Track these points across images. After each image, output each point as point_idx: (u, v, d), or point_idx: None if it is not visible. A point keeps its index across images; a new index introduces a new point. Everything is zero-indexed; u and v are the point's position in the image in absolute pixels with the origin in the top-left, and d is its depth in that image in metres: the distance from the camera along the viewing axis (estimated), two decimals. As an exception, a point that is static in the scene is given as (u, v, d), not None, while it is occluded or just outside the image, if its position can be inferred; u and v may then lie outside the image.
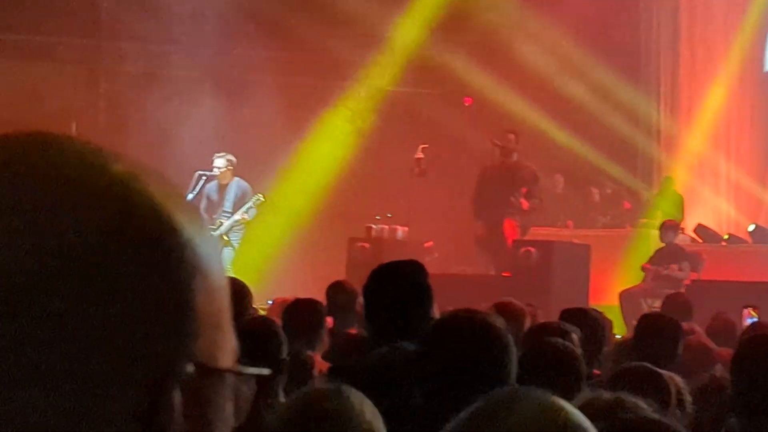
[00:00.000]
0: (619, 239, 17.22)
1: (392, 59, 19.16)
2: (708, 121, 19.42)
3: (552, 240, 14.64)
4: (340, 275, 12.37)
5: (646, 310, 13.49)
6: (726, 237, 17.73)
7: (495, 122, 16.76)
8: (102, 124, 18.54)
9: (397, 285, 4.58)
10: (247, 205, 15.32)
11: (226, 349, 1.02)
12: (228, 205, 15.44)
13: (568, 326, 5.47)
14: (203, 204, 15.58)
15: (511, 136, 14.68)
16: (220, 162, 15.49)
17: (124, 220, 0.96)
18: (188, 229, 0.99)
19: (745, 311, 8.81)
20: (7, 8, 17.67)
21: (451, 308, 6.62)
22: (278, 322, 5.43)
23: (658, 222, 15.95)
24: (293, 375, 5.01)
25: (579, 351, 4.73)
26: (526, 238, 14.49)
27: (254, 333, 4.58)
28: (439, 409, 3.06)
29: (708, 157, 19.36)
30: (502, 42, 18.76)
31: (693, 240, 17.55)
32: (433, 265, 14.50)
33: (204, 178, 15.36)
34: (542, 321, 7.69)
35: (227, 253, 15.44)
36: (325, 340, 6.32)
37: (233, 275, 14.38)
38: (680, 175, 19.29)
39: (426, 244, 16.04)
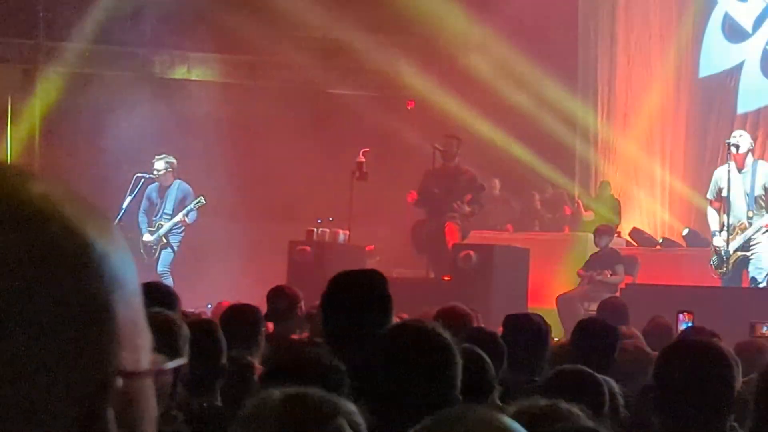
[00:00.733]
0: (558, 243, 17.37)
1: (335, 62, 19.19)
2: (644, 127, 19.61)
3: (492, 244, 14.73)
4: (281, 279, 12.40)
5: (583, 314, 13.61)
6: (661, 241, 17.92)
7: (437, 126, 16.84)
8: (38, 126, 18.41)
9: (359, 293, 4.58)
10: (188, 208, 15.28)
11: (146, 349, 1.05)
12: (169, 207, 15.38)
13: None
14: (144, 206, 15.51)
15: (453, 141, 14.76)
16: (159, 164, 15.42)
17: (38, 243, 0.98)
18: (101, 242, 1.01)
19: (680, 316, 8.93)
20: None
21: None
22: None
23: (595, 226, 16.09)
24: (234, 380, 5.02)
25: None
26: (467, 241, 14.57)
27: (194, 335, 4.58)
28: (385, 425, 3.11)
29: (644, 162, 19.54)
30: (443, 47, 18.87)
31: (628, 244, 17.73)
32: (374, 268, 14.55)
33: (143, 180, 15.31)
34: (482, 325, 7.78)
35: (167, 255, 15.39)
36: (263, 346, 6.32)
37: (171, 279, 14.45)
38: (617, 179, 19.46)
39: (367, 248, 16.09)
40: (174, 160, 15.56)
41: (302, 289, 8.12)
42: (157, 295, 5.68)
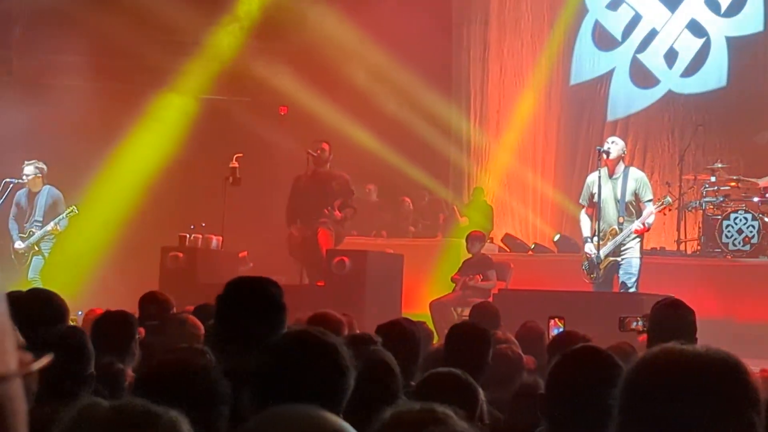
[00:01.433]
0: (431, 249, 17.46)
1: (206, 67, 19.06)
2: (516, 134, 19.83)
3: (366, 250, 14.74)
4: (154, 285, 12.25)
5: (456, 319, 13.72)
6: (532, 246, 18.13)
7: (309, 132, 16.81)
8: None
9: (254, 300, 4.56)
10: (59, 217, 15.09)
11: (13, 350, 1.04)
12: (39, 213, 15.17)
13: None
14: (13, 212, 15.30)
15: (325, 146, 14.73)
16: (29, 169, 15.25)
17: None
18: None
19: (552, 322, 9.02)
20: None
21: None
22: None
23: (467, 231, 16.21)
24: (105, 387, 4.94)
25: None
26: (340, 247, 14.57)
27: (61, 344, 4.50)
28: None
29: (516, 168, 19.76)
30: (317, 53, 18.85)
31: (501, 249, 17.91)
32: (247, 275, 14.46)
33: (11, 185, 15.12)
34: (358, 331, 7.76)
35: (37, 261, 15.17)
36: (137, 353, 6.24)
37: (42, 285, 14.22)
38: (490, 186, 19.65)
39: (240, 254, 15.99)
40: (44, 165, 15.37)
41: (175, 296, 8.04)
42: (45, 303, 5.60)
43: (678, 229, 16.87)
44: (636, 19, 19.35)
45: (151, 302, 7.63)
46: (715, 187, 16.34)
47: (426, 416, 2.69)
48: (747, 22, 18.73)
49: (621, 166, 13.41)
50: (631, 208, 13.29)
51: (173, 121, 18.57)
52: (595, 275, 13.34)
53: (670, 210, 15.04)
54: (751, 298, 15.12)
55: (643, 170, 14.94)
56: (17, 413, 1.02)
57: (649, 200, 13.33)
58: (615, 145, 13.38)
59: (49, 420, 2.38)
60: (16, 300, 5.90)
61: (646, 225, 13.31)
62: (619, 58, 19.46)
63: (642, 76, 19.30)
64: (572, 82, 19.84)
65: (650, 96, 19.25)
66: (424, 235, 18.79)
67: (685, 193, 16.88)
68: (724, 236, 15.77)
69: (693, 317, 6.51)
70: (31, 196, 15.28)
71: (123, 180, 18.11)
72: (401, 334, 6.02)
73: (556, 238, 17.96)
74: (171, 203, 17.62)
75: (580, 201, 13.69)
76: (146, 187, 17.94)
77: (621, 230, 13.24)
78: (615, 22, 19.54)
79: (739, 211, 15.77)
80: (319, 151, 14.53)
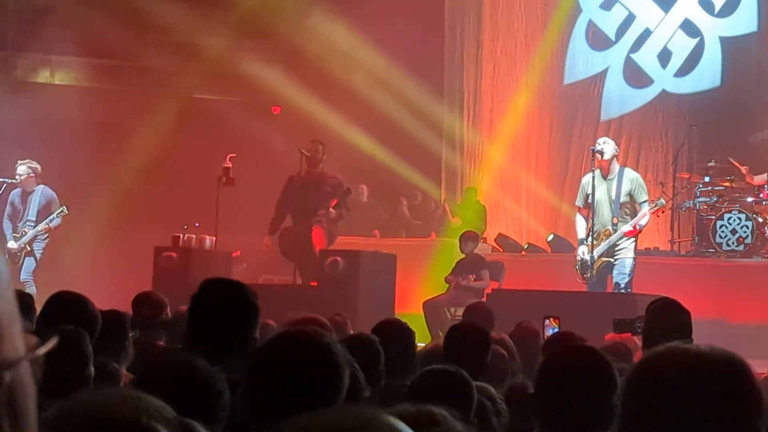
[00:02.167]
0: (425, 248, 17.46)
1: (200, 67, 19.04)
2: (509, 133, 19.83)
3: (359, 250, 14.73)
4: (147, 285, 12.24)
5: (449, 319, 13.71)
6: (526, 246, 18.13)
7: (303, 132, 16.80)
8: None
9: (227, 300, 4.55)
10: (50, 217, 15.10)
11: (20, 334, 1.07)
12: (32, 213, 15.18)
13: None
14: (7, 211, 15.34)
15: (319, 146, 14.72)
16: (22, 169, 15.27)
17: None
18: None
19: (547, 321, 9.01)
20: None
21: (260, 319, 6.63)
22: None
23: (461, 231, 16.20)
24: (99, 388, 4.93)
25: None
26: (333, 247, 14.55)
27: (61, 345, 4.47)
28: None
29: (509, 168, 19.76)
30: (310, 52, 18.85)
31: (494, 249, 17.89)
32: (240, 274, 14.45)
33: (5, 185, 15.14)
34: (351, 331, 7.75)
35: (29, 262, 15.17)
36: (131, 353, 6.23)
37: (35, 287, 14.21)
38: (483, 185, 19.65)
39: (234, 254, 15.97)
40: (37, 165, 15.36)
41: (168, 296, 8.02)
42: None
43: (672, 229, 16.88)
44: (630, 19, 19.36)
45: (145, 303, 7.62)
46: (709, 187, 16.35)
47: (425, 419, 2.67)
48: (741, 23, 18.75)
49: (616, 167, 13.42)
50: (627, 209, 13.30)
51: (166, 121, 18.54)
52: (588, 275, 13.35)
53: (663, 212, 15.06)
54: (744, 299, 15.13)
55: (636, 170, 14.96)
56: (28, 397, 1.05)
57: (645, 201, 13.34)
58: (607, 145, 13.39)
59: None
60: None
61: (638, 227, 13.33)
62: (613, 58, 19.47)
63: (636, 76, 19.31)
64: (566, 81, 19.85)
65: (644, 96, 19.27)
66: (417, 235, 18.78)
67: (679, 193, 16.89)
68: (717, 236, 15.78)
69: (688, 318, 6.50)
70: (25, 195, 15.29)
71: (116, 180, 18.09)
72: (396, 334, 6.02)
73: (550, 238, 17.96)
74: (164, 203, 17.61)
75: (576, 202, 13.71)
76: (140, 186, 17.92)
77: (615, 231, 13.25)
78: (609, 22, 19.55)
79: (733, 212, 15.78)
80: (312, 152, 14.52)
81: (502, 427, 4.75)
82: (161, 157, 17.98)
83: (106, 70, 19.18)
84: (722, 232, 15.77)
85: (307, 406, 3.22)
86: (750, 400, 2.15)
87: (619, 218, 13.27)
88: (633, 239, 13.32)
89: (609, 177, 13.31)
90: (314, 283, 14.01)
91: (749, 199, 16.07)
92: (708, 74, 18.87)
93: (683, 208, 16.66)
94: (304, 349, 3.36)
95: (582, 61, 19.72)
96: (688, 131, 18.05)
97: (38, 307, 5.95)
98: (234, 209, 16.07)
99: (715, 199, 16.25)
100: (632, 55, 19.33)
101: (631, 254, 13.30)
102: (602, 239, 13.29)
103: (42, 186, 15.32)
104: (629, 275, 13.25)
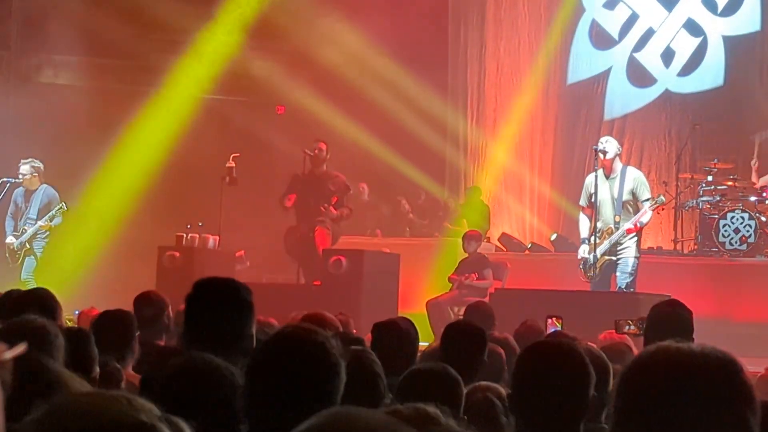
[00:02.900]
0: (428, 248, 17.45)
1: (204, 66, 19.05)
2: (513, 133, 19.81)
3: (362, 249, 14.74)
4: (150, 284, 12.26)
5: (452, 318, 13.71)
6: (529, 246, 18.13)
7: (306, 131, 16.81)
8: None
9: (221, 298, 4.56)
10: (50, 214, 15.13)
11: None
12: (33, 211, 15.21)
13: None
14: (10, 210, 15.38)
15: (322, 146, 14.74)
16: (24, 168, 15.31)
17: None
18: None
19: (549, 321, 9.02)
20: None
21: (262, 318, 6.64)
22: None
23: (464, 231, 16.20)
24: (100, 387, 4.93)
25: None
26: (337, 247, 14.56)
27: (66, 346, 4.49)
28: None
29: (513, 167, 19.74)
30: (314, 52, 18.84)
31: (498, 249, 17.89)
32: (244, 274, 14.49)
33: (9, 184, 15.19)
34: (354, 330, 7.77)
35: (30, 262, 15.19)
36: (137, 352, 6.24)
37: (36, 285, 14.22)
38: (487, 185, 19.64)
39: (237, 253, 15.99)
40: (40, 165, 15.40)
41: (171, 296, 8.01)
42: (36, 302, 5.59)
43: (675, 229, 16.87)
44: (633, 18, 19.34)
45: (146, 302, 7.60)
46: (712, 187, 16.34)
47: (417, 417, 2.68)
48: (744, 22, 18.73)
49: (618, 165, 13.43)
50: (629, 207, 13.31)
51: (170, 121, 18.55)
52: (591, 274, 13.35)
53: (663, 209, 15.05)
54: (747, 298, 15.13)
55: (640, 169, 14.96)
56: None
57: (647, 199, 13.35)
58: (610, 144, 13.40)
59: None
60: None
61: (639, 224, 13.33)
62: (616, 57, 19.45)
63: (639, 76, 19.29)
64: (569, 81, 19.83)
65: (647, 95, 19.25)
66: (421, 234, 18.78)
67: (682, 193, 16.88)
68: (720, 235, 15.77)
69: (690, 317, 6.51)
70: (28, 194, 15.33)
71: (120, 179, 18.10)
72: (397, 333, 6.03)
73: (553, 237, 17.96)
74: (168, 203, 17.61)
75: (580, 202, 13.72)
76: (143, 186, 17.93)
77: (617, 229, 13.26)
78: (612, 21, 19.53)
79: (736, 211, 15.77)
80: (316, 151, 14.54)
81: (511, 427, 4.77)
82: (165, 157, 17.98)
83: (109, 69, 19.19)
84: (725, 231, 15.76)
85: (303, 404, 3.23)
86: (742, 399, 2.16)
87: (622, 216, 13.28)
88: (636, 237, 13.32)
89: (612, 176, 13.32)
90: (318, 283, 14.03)
91: (752, 199, 16.06)
92: (711, 73, 18.85)
93: (686, 208, 16.65)
94: (298, 349, 3.37)
95: (585, 61, 19.71)
96: (691, 130, 18.02)
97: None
98: (237, 209, 16.10)
99: (718, 198, 16.24)
100: (635, 55, 19.31)
101: (634, 253, 13.30)
102: (605, 238, 13.30)
103: (44, 185, 15.35)
104: (632, 274, 13.25)
